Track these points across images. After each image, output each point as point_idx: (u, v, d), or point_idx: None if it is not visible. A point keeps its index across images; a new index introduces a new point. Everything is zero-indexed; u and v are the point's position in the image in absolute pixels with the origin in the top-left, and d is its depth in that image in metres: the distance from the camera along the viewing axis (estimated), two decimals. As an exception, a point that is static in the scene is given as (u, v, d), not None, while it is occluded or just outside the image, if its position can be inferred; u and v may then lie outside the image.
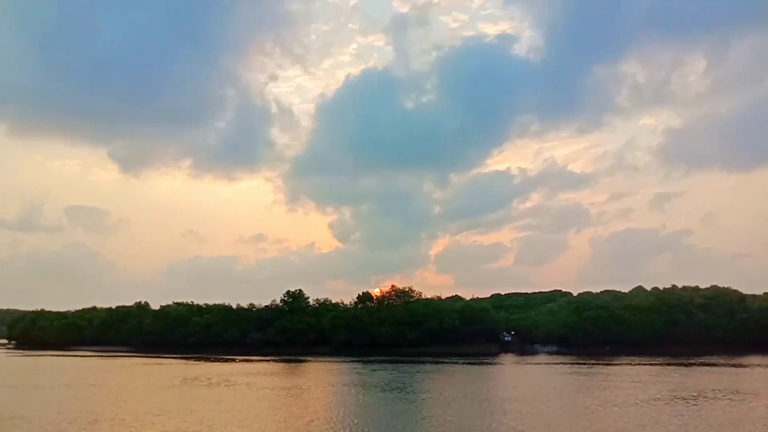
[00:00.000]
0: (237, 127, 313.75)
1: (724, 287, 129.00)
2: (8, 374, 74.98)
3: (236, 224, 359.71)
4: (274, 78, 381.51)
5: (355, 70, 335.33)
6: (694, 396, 45.14)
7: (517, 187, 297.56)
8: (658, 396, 45.35)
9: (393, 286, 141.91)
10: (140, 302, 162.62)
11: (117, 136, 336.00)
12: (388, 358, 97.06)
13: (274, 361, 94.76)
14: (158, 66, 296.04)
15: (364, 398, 46.40)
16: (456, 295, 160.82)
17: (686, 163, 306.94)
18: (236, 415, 37.54)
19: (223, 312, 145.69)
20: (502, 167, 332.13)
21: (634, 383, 54.90)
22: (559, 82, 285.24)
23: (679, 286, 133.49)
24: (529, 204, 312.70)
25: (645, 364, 78.59)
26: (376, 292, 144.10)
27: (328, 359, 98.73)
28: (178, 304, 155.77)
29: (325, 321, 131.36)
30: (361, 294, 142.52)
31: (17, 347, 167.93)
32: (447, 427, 32.76)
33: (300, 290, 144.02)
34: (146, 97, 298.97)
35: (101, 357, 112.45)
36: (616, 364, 79.14)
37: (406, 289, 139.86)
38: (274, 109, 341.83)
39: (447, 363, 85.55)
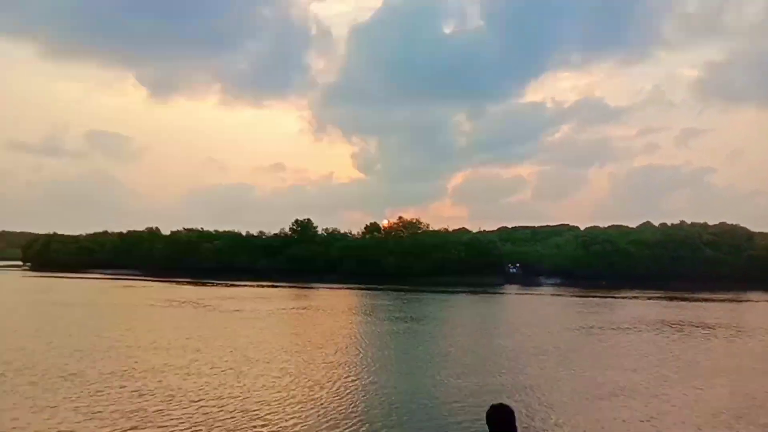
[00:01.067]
0: (272, 50, 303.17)
1: (732, 224, 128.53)
2: (22, 293, 77.34)
3: (258, 152, 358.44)
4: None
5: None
6: (675, 326, 45.57)
7: (548, 120, 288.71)
8: (635, 326, 45.83)
9: (401, 217, 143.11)
10: (151, 227, 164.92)
11: (148, 60, 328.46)
12: (394, 287, 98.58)
13: (282, 287, 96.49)
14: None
15: (369, 320, 47.43)
16: (463, 227, 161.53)
17: (724, 99, 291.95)
18: (246, 334, 38.36)
19: (232, 239, 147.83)
20: (537, 98, 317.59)
21: (620, 312, 55.57)
22: (608, 10, 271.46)
23: (690, 222, 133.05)
24: (557, 137, 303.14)
25: (645, 298, 79.31)
26: (384, 223, 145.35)
27: (336, 286, 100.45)
28: (188, 230, 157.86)
29: (334, 250, 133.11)
30: (369, 225, 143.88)
31: (32, 269, 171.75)
32: (440, 344, 33.55)
33: (309, 219, 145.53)
34: (182, 19, 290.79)
35: (110, 279, 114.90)
36: (615, 297, 79.96)
37: (414, 221, 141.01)
38: (313, 30, 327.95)
39: (451, 292, 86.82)
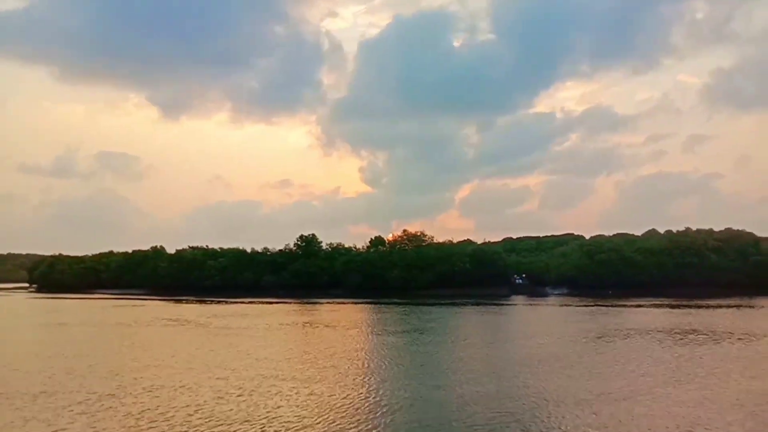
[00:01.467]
0: (283, 66, 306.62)
1: (738, 230, 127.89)
2: (30, 316, 77.36)
3: (265, 169, 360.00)
4: (332, 14, 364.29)
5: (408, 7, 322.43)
6: (682, 333, 45.32)
7: (557, 129, 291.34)
8: (643, 333, 45.60)
9: (405, 230, 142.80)
10: (156, 246, 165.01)
11: (160, 81, 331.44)
12: (399, 300, 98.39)
13: (287, 302, 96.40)
14: (212, 7, 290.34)
15: (376, 334, 47.28)
16: (468, 239, 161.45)
17: (732, 106, 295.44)
18: (255, 352, 38.34)
19: (237, 256, 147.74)
20: (546, 108, 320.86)
21: (627, 320, 55.33)
22: (618, 20, 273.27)
23: (695, 229, 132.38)
24: (565, 146, 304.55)
25: (651, 305, 78.92)
26: (388, 236, 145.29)
27: (341, 301, 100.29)
28: (193, 248, 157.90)
29: (338, 264, 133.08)
30: (373, 238, 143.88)
31: (38, 290, 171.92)
32: (449, 356, 33.47)
33: (313, 235, 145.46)
34: (195, 39, 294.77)
35: (114, 299, 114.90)
36: (622, 305, 79.58)
37: (418, 234, 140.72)
38: (325, 46, 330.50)
39: (457, 304, 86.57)
